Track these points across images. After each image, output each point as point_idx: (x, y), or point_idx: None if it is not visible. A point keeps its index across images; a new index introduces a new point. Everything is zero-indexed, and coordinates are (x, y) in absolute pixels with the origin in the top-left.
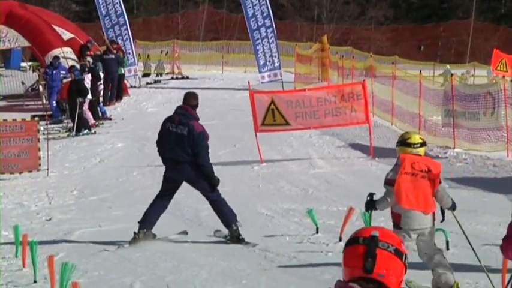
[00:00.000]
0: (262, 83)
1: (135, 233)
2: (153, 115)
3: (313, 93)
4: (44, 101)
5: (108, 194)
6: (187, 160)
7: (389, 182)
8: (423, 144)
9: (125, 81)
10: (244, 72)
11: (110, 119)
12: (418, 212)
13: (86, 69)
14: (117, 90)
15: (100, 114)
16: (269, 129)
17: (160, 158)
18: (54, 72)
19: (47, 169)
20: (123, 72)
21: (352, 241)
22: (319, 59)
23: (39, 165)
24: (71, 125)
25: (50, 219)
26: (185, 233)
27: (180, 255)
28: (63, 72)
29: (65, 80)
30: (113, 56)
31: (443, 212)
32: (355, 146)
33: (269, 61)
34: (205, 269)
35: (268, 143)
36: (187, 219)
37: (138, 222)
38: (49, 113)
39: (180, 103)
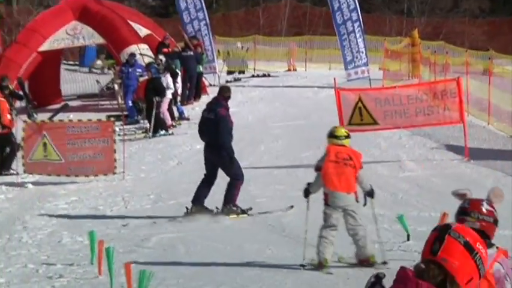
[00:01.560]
0: (348, 80)
1: (187, 208)
2: (233, 115)
3: (404, 91)
4: (120, 101)
5: (187, 198)
6: (214, 142)
7: (318, 169)
8: (347, 136)
9: (203, 79)
10: (329, 69)
11: (188, 119)
12: (341, 192)
13: (162, 67)
14: (195, 89)
15: (177, 114)
16: (356, 129)
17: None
18: (130, 70)
19: (123, 172)
20: (201, 70)
21: (433, 229)
22: (410, 54)
23: (115, 167)
24: (147, 125)
25: (126, 224)
26: (291, 207)
27: (262, 263)
28: (140, 70)
29: (141, 79)
30: (192, 53)
31: (365, 197)
32: (448, 148)
33: (356, 57)
34: (289, 278)
35: (355, 144)
36: (269, 225)
37: (191, 201)
38: (125, 113)
39: (262, 103)
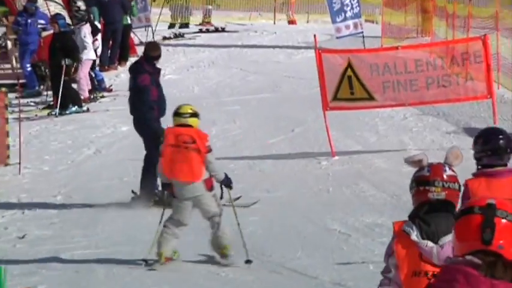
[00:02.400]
0: (337, 38)
1: (133, 191)
2: (173, 85)
3: (410, 54)
4: (14, 64)
5: (107, 200)
6: (135, 115)
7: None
8: (194, 115)
9: (132, 34)
10: (307, 22)
11: (110, 91)
12: (185, 181)
13: (81, 18)
14: (120, 48)
15: (96, 83)
16: (344, 105)
17: None
18: (29, 21)
19: (19, 163)
20: (129, 22)
21: (467, 211)
22: (419, 2)
23: (8, 157)
24: (52, 99)
25: (23, 236)
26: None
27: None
28: (43, 22)
29: (44, 33)
30: None
31: (221, 188)
32: (471, 132)
33: (346, 5)
34: None
35: (343, 127)
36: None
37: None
38: (21, 81)
39: (213, 68)
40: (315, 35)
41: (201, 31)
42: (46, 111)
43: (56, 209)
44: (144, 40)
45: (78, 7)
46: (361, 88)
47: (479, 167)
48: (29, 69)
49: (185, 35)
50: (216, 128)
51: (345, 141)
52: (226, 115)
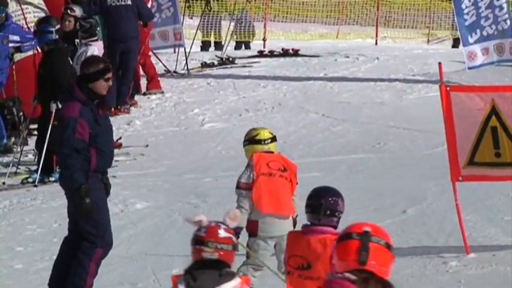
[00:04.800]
0: (469, 68)
1: None
2: (217, 138)
3: None
4: None
5: None
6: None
7: (242, 187)
8: (273, 139)
9: (154, 60)
10: (428, 42)
11: (119, 146)
12: (278, 216)
13: (88, 30)
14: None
15: None
16: (485, 174)
17: None
18: None
19: None
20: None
21: (346, 236)
22: None
23: None
24: (31, 157)
25: None
26: None
27: None
28: (16, 38)
29: (18, 56)
30: (129, 1)
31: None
32: None
33: (485, 18)
34: None
35: (483, 208)
36: None
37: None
38: None
39: (281, 114)
40: (440, 63)
41: (261, 54)
42: (20, 177)
43: None
44: (172, 68)
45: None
46: None
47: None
48: None
49: (237, 61)
50: None
51: (486, 229)
52: (301, 187)
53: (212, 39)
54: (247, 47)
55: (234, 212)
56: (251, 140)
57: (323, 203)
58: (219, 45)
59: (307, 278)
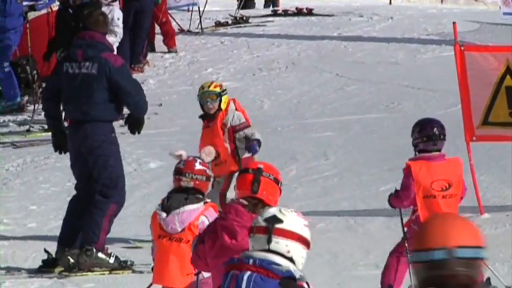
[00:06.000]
0: (504, 14)
1: (46, 251)
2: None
3: None
4: None
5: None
6: (94, 117)
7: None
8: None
9: (168, 16)
10: (441, 1)
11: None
12: None
13: None
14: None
15: None
16: (500, 134)
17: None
18: None
19: None
20: None
21: (244, 171)
22: None
23: None
24: (41, 116)
25: None
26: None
27: None
28: None
29: (32, 14)
30: None
31: None
32: None
33: None
34: None
35: (497, 168)
36: None
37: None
38: None
39: (294, 73)
40: (454, 23)
41: (275, 13)
42: (33, 136)
43: None
44: (184, 27)
45: None
46: None
47: (416, 152)
48: (6, 70)
49: (250, 20)
50: (298, 166)
51: (499, 189)
52: (314, 146)
53: None
54: (275, 4)
55: (208, 148)
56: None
57: (435, 131)
58: (251, 3)
59: (449, 197)
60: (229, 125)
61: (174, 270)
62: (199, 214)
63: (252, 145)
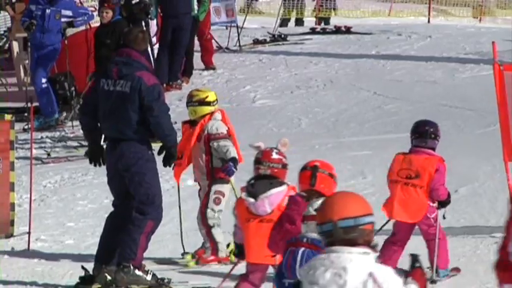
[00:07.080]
0: None
1: (84, 268)
2: (268, 115)
3: None
4: (23, 77)
5: None
6: (130, 137)
7: (227, 136)
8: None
9: (209, 36)
10: (479, 20)
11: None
12: None
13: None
14: (186, 55)
15: None
16: None
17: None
18: (48, 12)
19: (28, 233)
20: (197, 13)
21: (303, 168)
22: None
23: (11, 224)
24: (79, 132)
25: None
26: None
27: None
28: (69, 13)
29: (70, 31)
30: None
31: None
32: None
33: None
34: None
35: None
36: None
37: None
38: (34, 104)
39: (331, 91)
40: (493, 42)
41: (313, 32)
42: (76, 151)
43: None
44: (224, 45)
45: None
46: None
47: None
48: (44, 85)
49: (289, 38)
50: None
51: None
52: (351, 165)
53: (293, 16)
54: (327, 23)
55: (284, 140)
56: (200, 101)
57: (427, 129)
58: (299, 22)
59: (411, 185)
60: (206, 132)
61: (266, 248)
62: (284, 195)
63: (227, 167)
